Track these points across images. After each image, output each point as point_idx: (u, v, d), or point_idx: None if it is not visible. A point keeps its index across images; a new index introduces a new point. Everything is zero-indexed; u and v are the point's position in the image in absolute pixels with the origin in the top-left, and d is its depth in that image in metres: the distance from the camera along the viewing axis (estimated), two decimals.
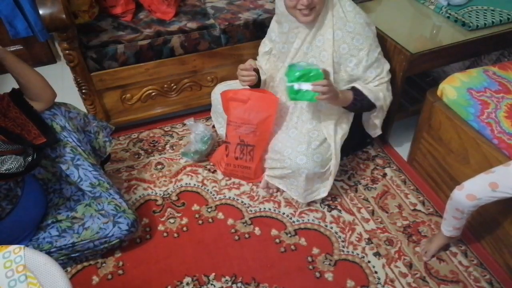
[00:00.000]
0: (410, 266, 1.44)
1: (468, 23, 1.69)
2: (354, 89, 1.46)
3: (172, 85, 1.92)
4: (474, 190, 1.21)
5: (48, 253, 1.34)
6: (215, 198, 1.68)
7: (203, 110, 2.07)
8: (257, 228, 1.56)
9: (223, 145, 1.71)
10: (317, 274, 1.42)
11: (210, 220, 1.60)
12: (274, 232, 1.55)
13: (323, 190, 1.57)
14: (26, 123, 1.25)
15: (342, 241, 1.52)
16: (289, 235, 1.54)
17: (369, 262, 1.45)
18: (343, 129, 1.57)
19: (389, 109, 1.78)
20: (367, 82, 1.48)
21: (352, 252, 1.48)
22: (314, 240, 1.52)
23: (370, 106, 1.48)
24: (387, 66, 1.50)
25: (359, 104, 1.46)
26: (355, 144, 1.82)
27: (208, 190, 1.72)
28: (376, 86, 1.49)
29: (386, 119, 1.81)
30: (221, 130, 1.85)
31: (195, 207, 1.65)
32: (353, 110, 1.51)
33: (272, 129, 1.57)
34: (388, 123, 1.83)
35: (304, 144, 1.48)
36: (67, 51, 1.60)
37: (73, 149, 1.39)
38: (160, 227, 1.57)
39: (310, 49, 1.45)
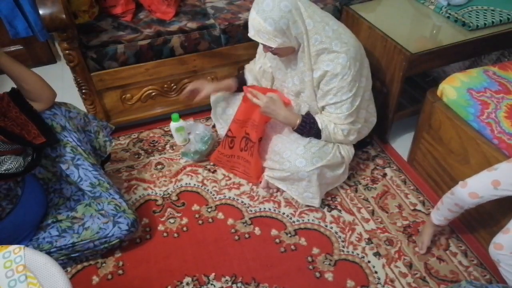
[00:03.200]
0: (410, 266, 1.44)
1: (468, 23, 1.69)
2: (307, 114, 1.50)
3: (172, 85, 1.92)
4: (477, 188, 1.21)
5: (48, 253, 1.34)
6: (215, 198, 1.68)
7: (203, 110, 2.07)
8: (257, 228, 1.56)
9: (225, 140, 1.69)
10: (317, 274, 1.42)
11: (210, 220, 1.60)
12: (274, 232, 1.55)
13: (317, 202, 1.59)
14: (26, 123, 1.25)
15: (342, 241, 1.52)
16: (289, 235, 1.54)
17: (369, 262, 1.45)
18: (345, 149, 1.58)
19: (389, 109, 1.79)
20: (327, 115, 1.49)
21: (352, 252, 1.48)
22: (314, 240, 1.52)
23: (318, 134, 1.50)
24: (349, 114, 1.45)
25: (307, 129, 1.48)
26: (355, 144, 1.83)
27: (208, 190, 1.72)
28: (334, 121, 1.48)
29: (386, 119, 1.81)
30: (222, 131, 1.85)
31: (195, 207, 1.65)
32: (301, 134, 1.52)
33: (266, 123, 1.60)
34: (388, 123, 1.83)
35: (303, 147, 1.48)
36: (67, 51, 1.60)
37: (73, 149, 1.39)
38: (160, 227, 1.57)
39: (295, 69, 1.48)
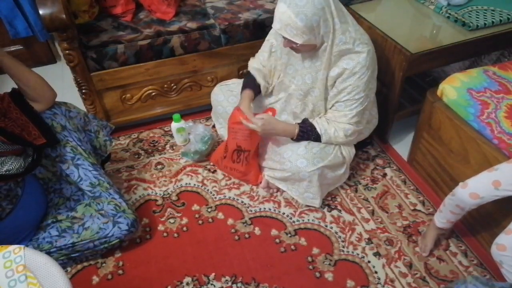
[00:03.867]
0: (410, 266, 1.44)
1: (468, 23, 1.69)
2: (303, 121, 1.50)
3: (172, 85, 1.92)
4: (478, 188, 1.21)
5: (48, 253, 1.34)
6: (215, 198, 1.68)
7: (203, 110, 2.07)
8: (257, 228, 1.56)
9: (223, 144, 1.71)
10: (317, 274, 1.42)
11: (210, 220, 1.60)
12: (274, 232, 1.55)
13: (317, 202, 1.58)
14: (27, 124, 1.25)
15: (342, 241, 1.52)
16: (289, 235, 1.54)
17: (369, 262, 1.45)
18: (346, 149, 1.57)
19: (389, 109, 1.79)
20: (337, 113, 1.48)
21: (352, 252, 1.48)
22: (314, 240, 1.52)
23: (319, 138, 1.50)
24: (357, 113, 1.45)
25: (306, 137, 1.49)
26: (356, 144, 1.83)
27: (208, 190, 1.72)
28: (338, 120, 1.47)
29: (386, 119, 1.81)
30: (222, 130, 1.85)
31: (195, 207, 1.65)
32: (301, 141, 1.51)
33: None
34: (388, 123, 1.83)
35: (304, 147, 1.48)
36: (67, 51, 1.60)
37: (73, 149, 1.39)
38: (160, 227, 1.57)
39: (310, 66, 1.46)
